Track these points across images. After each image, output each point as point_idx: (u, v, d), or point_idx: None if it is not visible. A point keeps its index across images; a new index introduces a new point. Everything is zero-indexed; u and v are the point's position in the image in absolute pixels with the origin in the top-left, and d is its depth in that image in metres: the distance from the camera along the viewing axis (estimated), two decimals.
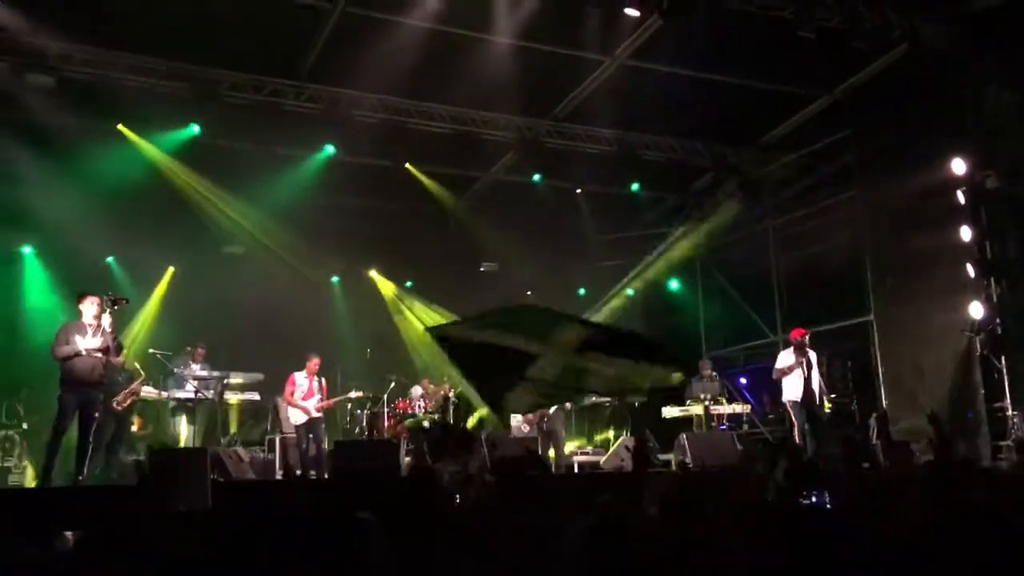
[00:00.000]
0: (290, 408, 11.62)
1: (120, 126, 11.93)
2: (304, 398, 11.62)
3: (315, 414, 11.60)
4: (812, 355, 11.35)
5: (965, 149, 11.42)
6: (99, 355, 8.99)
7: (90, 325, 9.03)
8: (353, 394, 12.66)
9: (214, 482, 8.01)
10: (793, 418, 11.24)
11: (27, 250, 13.33)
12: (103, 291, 9.54)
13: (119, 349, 9.49)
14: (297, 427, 11.53)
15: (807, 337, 11.43)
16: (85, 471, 8.91)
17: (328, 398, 12.08)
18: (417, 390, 13.29)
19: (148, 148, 12.21)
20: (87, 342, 8.94)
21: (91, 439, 8.97)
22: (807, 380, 11.12)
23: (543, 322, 5.60)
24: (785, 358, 11.49)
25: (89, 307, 9.08)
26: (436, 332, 5.94)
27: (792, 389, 11.22)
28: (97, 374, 9.02)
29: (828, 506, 5.11)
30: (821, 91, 12.97)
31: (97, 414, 9.08)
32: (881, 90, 12.11)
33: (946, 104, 11.27)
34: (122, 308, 9.42)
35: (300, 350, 12.78)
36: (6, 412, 12.00)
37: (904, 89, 11.68)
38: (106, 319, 9.14)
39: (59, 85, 10.76)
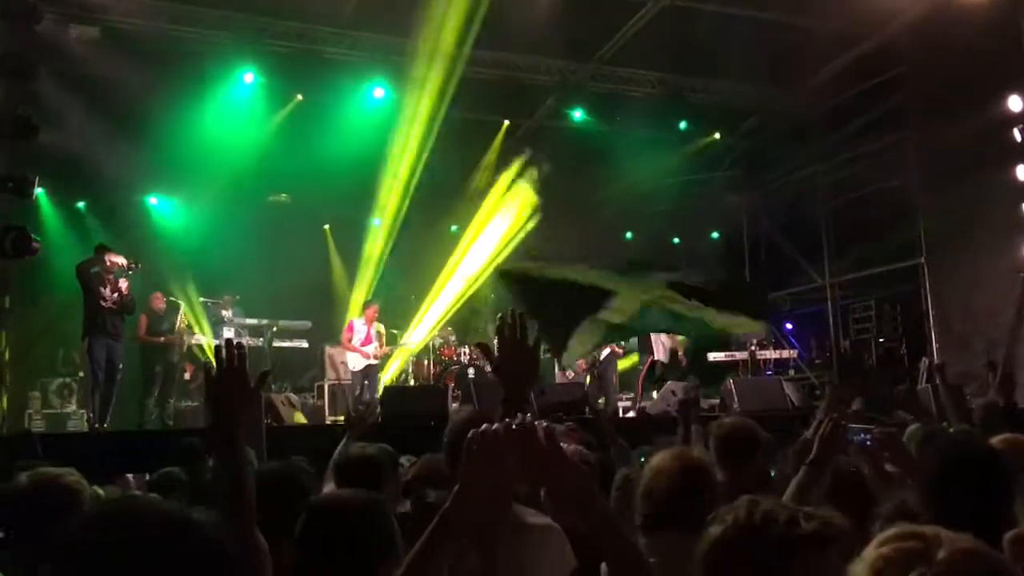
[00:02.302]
0: (348, 353, 11.79)
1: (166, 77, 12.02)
2: (362, 344, 11.79)
3: (373, 360, 11.78)
4: None
5: (1022, 85, 11.07)
6: (116, 308, 9.33)
7: (107, 278, 9.33)
8: (411, 343, 12.88)
9: (268, 427, 8.19)
10: None
11: (81, 205, 13.51)
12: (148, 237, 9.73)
13: (132, 307, 9.86)
14: (354, 372, 11.72)
15: None
16: (108, 419, 9.34)
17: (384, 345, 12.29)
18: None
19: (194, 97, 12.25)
20: (105, 295, 9.29)
21: (115, 386, 9.51)
22: None
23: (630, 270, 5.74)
24: None
25: (108, 261, 9.44)
26: (508, 271, 6.04)
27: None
28: (116, 328, 9.51)
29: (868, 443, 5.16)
30: (873, 28, 12.58)
31: (121, 365, 9.57)
32: (935, 26, 11.73)
33: (1002, 38, 10.90)
34: (136, 271, 9.71)
35: (344, 298, 12.93)
36: (62, 360, 12.31)
37: (958, 24, 11.30)
38: (123, 281, 9.47)
39: (104, 36, 10.83)
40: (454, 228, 16.23)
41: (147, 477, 5.49)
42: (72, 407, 11.73)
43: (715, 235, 16.99)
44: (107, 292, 9.35)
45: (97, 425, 9.21)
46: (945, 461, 2.73)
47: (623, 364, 13.75)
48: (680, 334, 11.04)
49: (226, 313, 12.33)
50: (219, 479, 2.20)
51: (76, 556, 1.19)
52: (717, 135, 15.23)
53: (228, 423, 2.22)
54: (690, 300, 5.71)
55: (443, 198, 15.03)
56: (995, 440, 3.35)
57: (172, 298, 12.15)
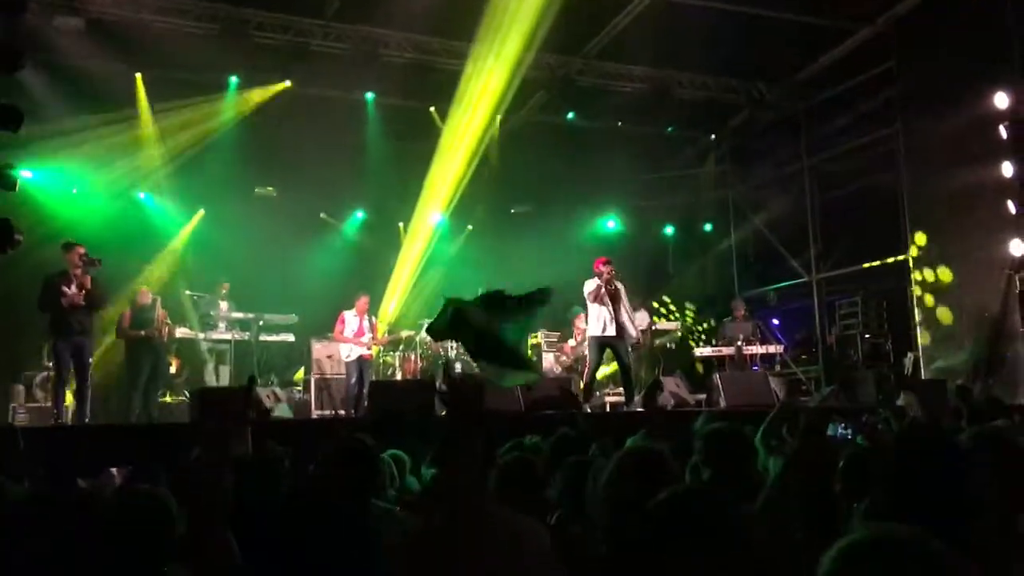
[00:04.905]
0: (341, 345, 11.76)
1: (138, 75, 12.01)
2: (355, 336, 11.75)
3: (367, 351, 11.74)
4: (620, 288, 10.43)
5: (1009, 82, 11.12)
6: (81, 304, 9.24)
7: (74, 274, 9.26)
8: (404, 333, 12.85)
9: (253, 421, 8.16)
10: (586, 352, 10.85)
11: (73, 193, 13.40)
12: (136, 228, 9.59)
13: (101, 302, 9.73)
14: (347, 364, 11.69)
15: (607, 267, 10.30)
16: (88, 413, 9.32)
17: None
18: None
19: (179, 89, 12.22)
20: (70, 292, 9.19)
21: (88, 383, 9.41)
22: (613, 314, 10.23)
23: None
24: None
25: (73, 257, 9.32)
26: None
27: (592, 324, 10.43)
28: (83, 324, 9.36)
29: (849, 437, 5.22)
30: (861, 23, 12.62)
31: (90, 359, 9.50)
32: (925, 21, 11.78)
33: (990, 33, 10.96)
34: (96, 268, 9.54)
35: (331, 292, 12.90)
36: (47, 354, 12.22)
37: (947, 20, 11.35)
38: (87, 276, 9.39)
39: (89, 27, 10.75)
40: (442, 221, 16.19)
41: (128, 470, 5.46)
42: None
43: (708, 227, 16.99)
44: (71, 289, 9.25)
45: (61, 420, 9.21)
46: (899, 448, 2.73)
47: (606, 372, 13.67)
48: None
49: (223, 304, 12.29)
50: (197, 479, 2.16)
51: None
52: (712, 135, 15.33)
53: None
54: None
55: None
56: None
57: (190, 292, 12.20)
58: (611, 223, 16.61)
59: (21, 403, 11.45)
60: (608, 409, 12.07)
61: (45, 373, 11.74)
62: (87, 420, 9.23)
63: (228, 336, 12.13)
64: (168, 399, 11.84)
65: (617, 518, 2.68)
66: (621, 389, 13.09)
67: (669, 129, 14.72)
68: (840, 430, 5.37)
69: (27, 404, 11.45)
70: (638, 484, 2.66)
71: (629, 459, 2.82)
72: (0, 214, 7.75)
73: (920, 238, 12.28)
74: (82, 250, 9.42)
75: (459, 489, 2.11)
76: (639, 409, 8.40)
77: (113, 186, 13.07)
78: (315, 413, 11.60)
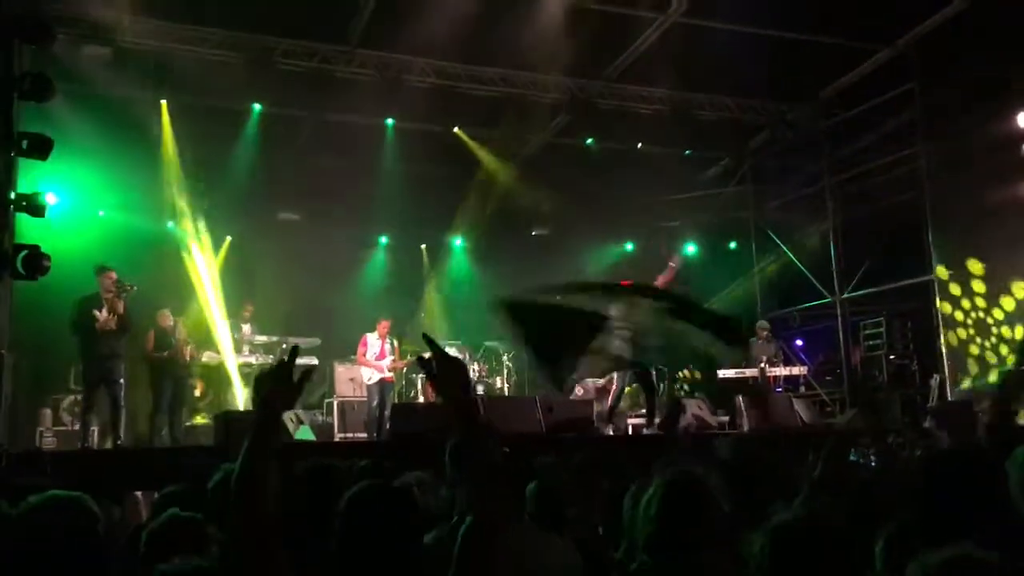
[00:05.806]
0: (363, 368, 11.79)
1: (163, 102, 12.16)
2: (376, 359, 11.78)
3: (388, 374, 11.77)
4: None
5: None
6: (112, 328, 9.31)
7: (105, 298, 9.33)
8: (427, 355, 12.79)
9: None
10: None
11: (101, 213, 13.57)
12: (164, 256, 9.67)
13: (129, 327, 9.84)
14: (369, 387, 11.69)
15: None
16: (122, 435, 9.40)
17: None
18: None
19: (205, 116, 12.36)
20: (102, 316, 9.27)
21: (120, 406, 9.50)
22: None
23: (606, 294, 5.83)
24: None
25: (106, 281, 9.40)
26: (503, 303, 6.11)
27: None
28: (112, 348, 9.47)
29: (873, 463, 5.16)
30: (883, 44, 12.61)
31: (121, 380, 9.55)
32: (946, 41, 11.74)
33: (1011, 53, 10.91)
34: (130, 294, 9.64)
35: (354, 315, 12.97)
36: (75, 377, 12.34)
37: (970, 39, 11.31)
38: (120, 302, 9.48)
39: (116, 57, 10.93)
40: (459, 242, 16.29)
41: (155, 495, 5.50)
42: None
43: (733, 245, 16.92)
44: (103, 313, 9.34)
45: (87, 444, 9.30)
46: (929, 470, 2.71)
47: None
48: (674, 368, 10.60)
49: (246, 327, 12.40)
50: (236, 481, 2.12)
51: None
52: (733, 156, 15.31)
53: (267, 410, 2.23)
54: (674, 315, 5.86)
55: (446, 213, 15.09)
56: None
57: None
58: (629, 245, 16.63)
59: (48, 427, 11.56)
60: (631, 431, 12.02)
61: (72, 397, 11.87)
62: (120, 443, 9.28)
63: (252, 359, 12.23)
64: (196, 421, 11.93)
65: (660, 545, 2.66)
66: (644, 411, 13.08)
67: (687, 152, 14.73)
68: (863, 461, 5.32)
69: (54, 428, 11.57)
70: (681, 512, 2.65)
71: (671, 487, 2.80)
72: (26, 239, 7.91)
73: (941, 272, 12.19)
74: (114, 275, 9.54)
75: (486, 508, 2.09)
76: (659, 432, 8.37)
77: (139, 211, 13.24)
78: (337, 436, 11.62)
